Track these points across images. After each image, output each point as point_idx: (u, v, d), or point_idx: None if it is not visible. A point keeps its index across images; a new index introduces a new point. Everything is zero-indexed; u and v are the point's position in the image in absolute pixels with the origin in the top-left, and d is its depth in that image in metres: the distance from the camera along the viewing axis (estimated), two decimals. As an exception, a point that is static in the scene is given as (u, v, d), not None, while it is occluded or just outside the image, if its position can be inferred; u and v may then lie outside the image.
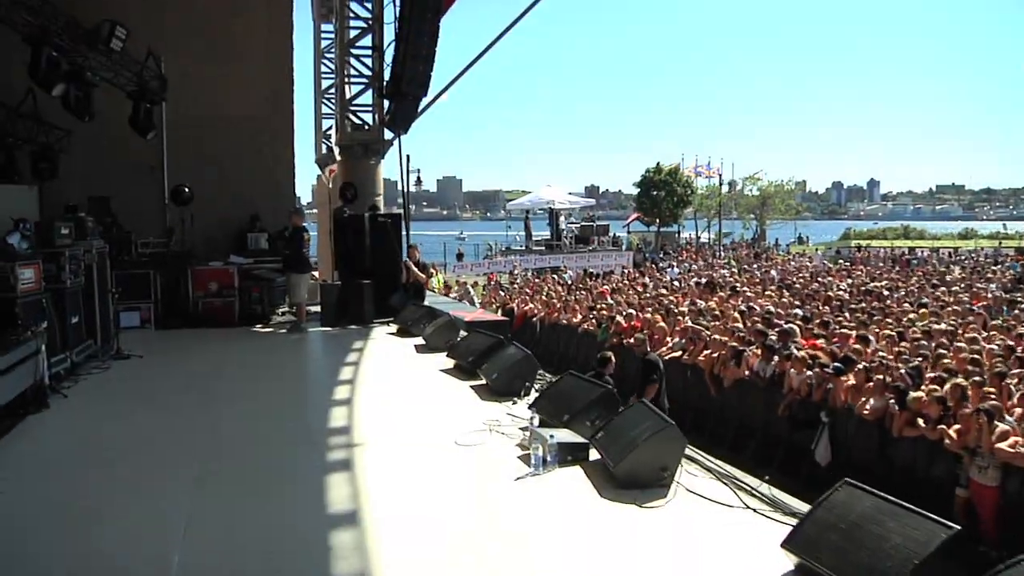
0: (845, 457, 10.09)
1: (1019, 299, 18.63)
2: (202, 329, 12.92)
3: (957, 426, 8.82)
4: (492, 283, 30.78)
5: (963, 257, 36.15)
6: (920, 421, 9.30)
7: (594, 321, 16.66)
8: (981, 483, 8.45)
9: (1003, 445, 8.27)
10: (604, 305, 17.78)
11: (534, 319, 19.46)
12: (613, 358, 9.95)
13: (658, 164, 49.20)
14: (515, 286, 27.77)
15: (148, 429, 7.03)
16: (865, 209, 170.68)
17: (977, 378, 9.94)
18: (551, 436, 5.63)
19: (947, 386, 9.46)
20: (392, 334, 12.56)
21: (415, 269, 14.32)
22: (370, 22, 17.12)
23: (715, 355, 12.96)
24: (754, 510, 4.87)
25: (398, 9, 15.42)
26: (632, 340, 13.46)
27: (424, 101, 15.98)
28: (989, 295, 19.71)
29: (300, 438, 6.76)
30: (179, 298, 13.43)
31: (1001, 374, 10.31)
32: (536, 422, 6.25)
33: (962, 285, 22.02)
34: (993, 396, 9.33)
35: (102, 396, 8.43)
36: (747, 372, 12.24)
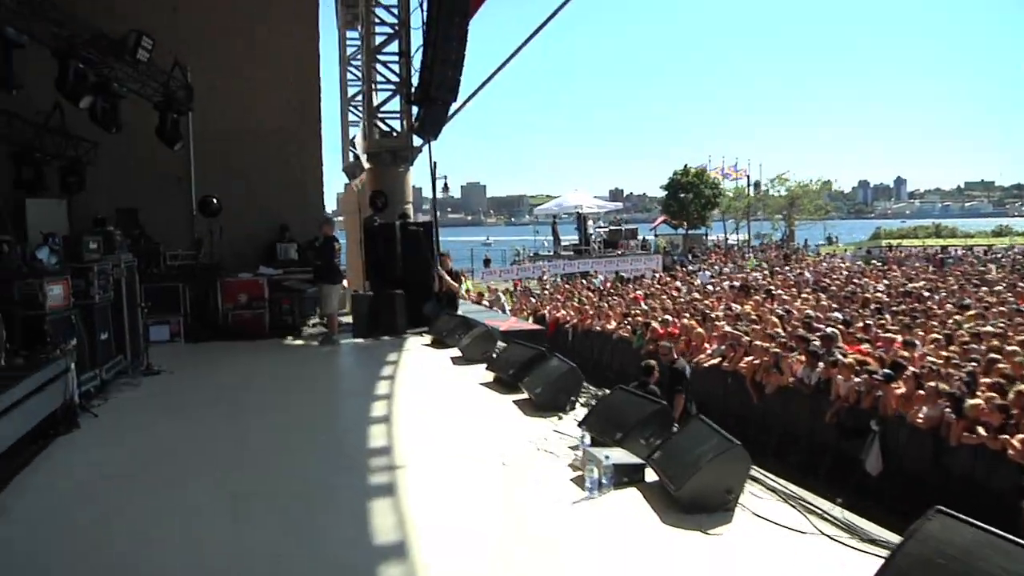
0: (896, 466, 9.71)
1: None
2: (232, 342, 12.75)
3: (1022, 436, 8.44)
4: (520, 289, 30.49)
5: (1000, 255, 35.30)
6: (980, 429, 8.91)
7: (629, 327, 16.34)
8: (1051, 496, 8.06)
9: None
10: (639, 311, 17.46)
11: (566, 326, 19.17)
12: (656, 367, 9.64)
13: (686, 166, 48.84)
14: (545, 292, 27.48)
15: (180, 449, 6.81)
16: (892, 208, 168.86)
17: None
18: (606, 457, 5.32)
19: (1011, 394, 9.07)
20: (427, 345, 12.32)
21: (448, 278, 14.07)
22: (396, 27, 16.93)
23: (757, 362, 12.62)
24: (829, 537, 4.53)
25: (425, 14, 15.20)
26: (659, 346, 13.19)
27: (454, 106, 15.74)
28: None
29: (338, 458, 6.48)
30: (209, 311, 13.28)
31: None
32: (588, 440, 5.95)
33: (1004, 284, 21.42)
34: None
35: (132, 414, 8.21)
36: (791, 379, 11.89)
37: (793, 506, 4.94)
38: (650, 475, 5.40)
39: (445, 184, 31.16)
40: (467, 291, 22.35)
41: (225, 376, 10.55)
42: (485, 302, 23.22)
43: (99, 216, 12.33)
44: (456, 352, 11.12)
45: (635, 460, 5.47)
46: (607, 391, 7.52)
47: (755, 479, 5.31)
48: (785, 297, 19.54)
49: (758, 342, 13.03)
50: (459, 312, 13.54)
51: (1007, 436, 8.54)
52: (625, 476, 5.33)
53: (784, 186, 51.18)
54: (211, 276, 13.39)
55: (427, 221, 15.64)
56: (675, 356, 12.47)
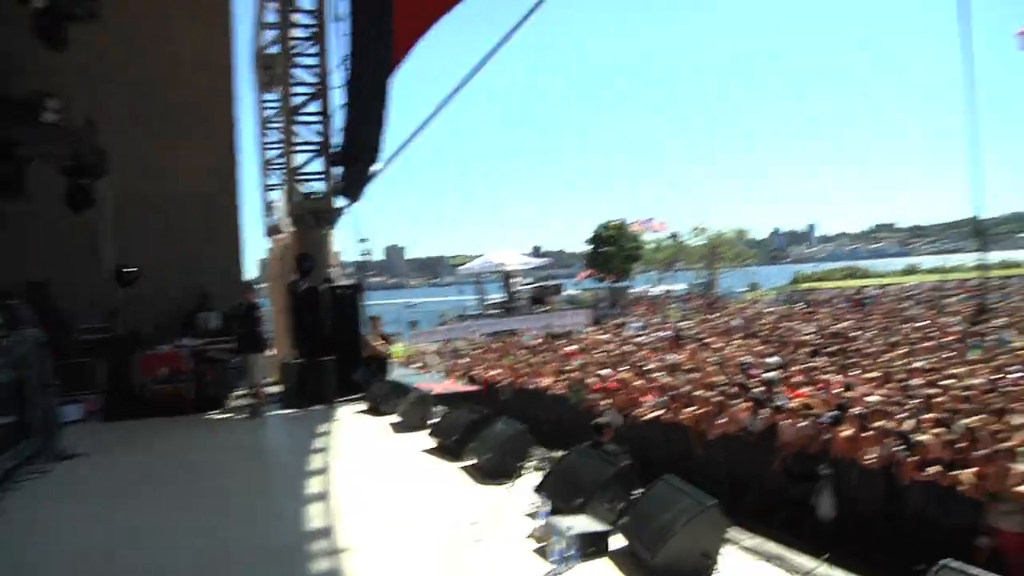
0: (849, 510, 9.55)
1: (986, 330, 18.61)
2: (154, 419, 11.94)
3: (972, 470, 8.38)
4: (449, 350, 30.03)
5: (912, 292, 36.42)
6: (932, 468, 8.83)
7: (566, 384, 16.03)
8: (1006, 529, 7.97)
9: (1028, 489, 7.85)
10: (573, 366, 17.22)
11: (499, 385, 18.76)
12: (612, 423, 9.35)
13: (608, 221, 49.61)
14: (476, 352, 27.07)
15: (96, 543, 6.15)
16: (806, 252, 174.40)
17: (983, 416, 9.62)
18: (569, 527, 4.96)
19: (957, 428, 9.08)
20: (362, 412, 11.80)
21: (381, 341, 13.62)
22: (317, 87, 16.60)
23: (700, 411, 12.45)
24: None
25: (347, 73, 14.92)
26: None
27: (378, 165, 15.43)
28: (956, 328, 19.66)
29: (274, 542, 5.95)
30: (127, 386, 12.47)
31: (1001, 411, 9.98)
32: (546, 508, 5.58)
33: (926, 321, 21.96)
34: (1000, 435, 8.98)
35: (43, 505, 7.49)
36: (735, 427, 11.73)
37: (775, 565, 4.65)
38: (615, 541, 5.05)
39: (368, 248, 30.80)
40: (394, 355, 21.82)
41: (146, 456, 9.80)
42: (415, 365, 22.73)
43: (5, 290, 11.55)
44: (394, 418, 10.65)
45: (600, 527, 5.13)
46: (559, 453, 7.18)
47: (729, 539, 5.01)
48: (719, 344, 19.62)
49: (699, 392, 12.88)
50: (391, 376, 13.08)
51: (956, 472, 8.48)
52: (591, 545, 4.97)
53: (703, 236, 52.31)
54: (128, 349, 12.62)
55: (356, 284, 15.18)
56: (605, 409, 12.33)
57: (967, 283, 38.88)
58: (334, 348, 13.16)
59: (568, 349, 21.47)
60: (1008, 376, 12.49)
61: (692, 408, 12.64)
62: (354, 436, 10.19)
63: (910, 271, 60.84)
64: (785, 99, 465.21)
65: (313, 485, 7.59)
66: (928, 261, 76.77)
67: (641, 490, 5.31)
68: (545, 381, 17.14)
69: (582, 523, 5.11)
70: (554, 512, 5.50)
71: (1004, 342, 16.48)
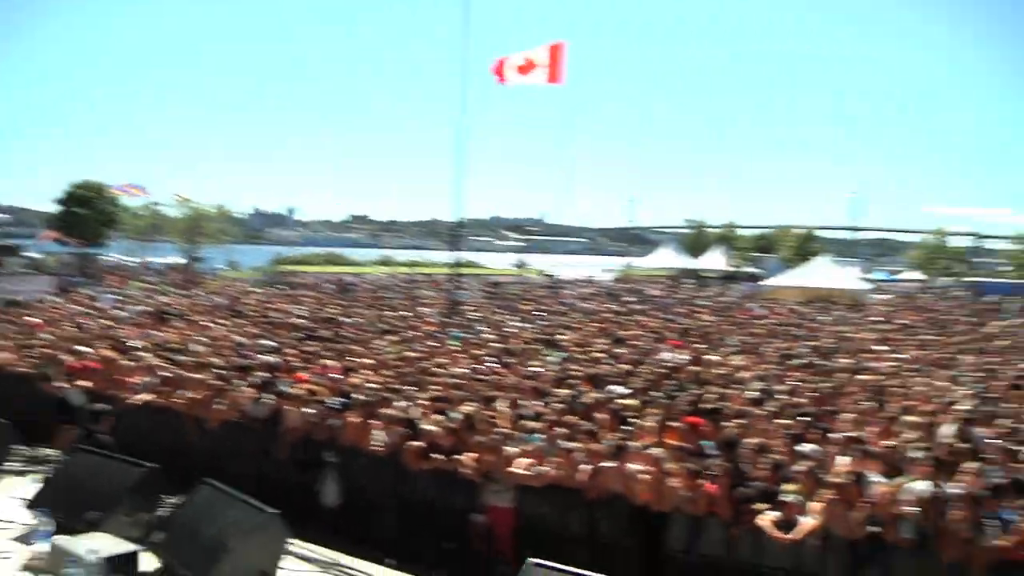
0: (358, 497, 9.57)
1: (463, 322, 20.52)
2: None
3: (471, 454, 8.95)
4: None
5: (389, 283, 38.74)
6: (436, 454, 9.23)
7: (33, 361, 13.62)
8: (498, 506, 8.69)
9: (517, 468, 8.61)
10: (43, 341, 14.76)
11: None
12: (111, 409, 8.02)
13: (85, 180, 44.49)
14: None
15: None
16: (284, 235, 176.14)
17: (474, 403, 10.38)
18: (90, 549, 3.97)
19: (457, 415, 9.65)
20: None
21: None
22: None
23: (196, 397, 11.49)
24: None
25: None
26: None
27: None
28: (433, 319, 21.31)
29: None
30: None
31: (487, 398, 10.89)
32: (47, 528, 4.44)
33: (407, 311, 23.41)
34: (494, 421, 9.79)
35: None
36: (238, 414, 11.06)
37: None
38: (147, 561, 4.21)
39: None
40: None
41: None
42: None
43: None
44: None
45: (126, 547, 4.21)
46: (51, 451, 5.87)
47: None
48: (205, 323, 18.58)
49: (194, 375, 11.92)
50: None
51: (459, 456, 8.99)
52: (117, 571, 4.04)
53: (185, 208, 49.80)
54: None
55: None
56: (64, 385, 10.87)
57: (433, 277, 42.86)
58: None
59: (36, 321, 18.39)
60: (486, 365, 13.82)
61: (188, 392, 11.65)
62: None
63: (385, 262, 65.01)
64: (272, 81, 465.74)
65: None
66: (399, 254, 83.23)
67: (176, 498, 4.49)
68: (5, 357, 14.38)
69: (103, 543, 4.15)
70: (60, 531, 4.39)
71: (475, 334, 18.25)
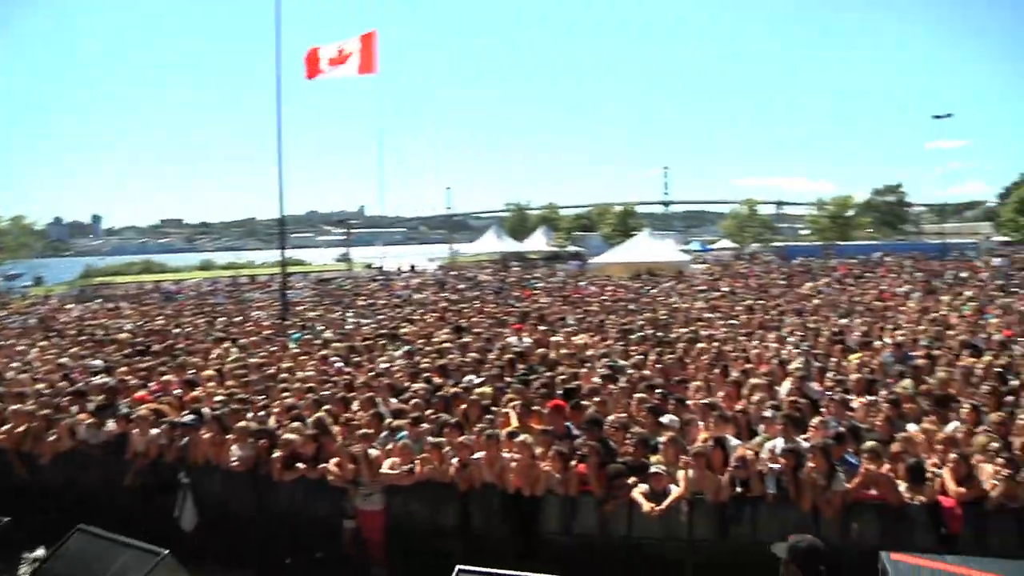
0: (219, 515, 9.14)
1: (299, 322, 20.04)
2: None
3: (335, 460, 8.78)
4: None
5: (213, 288, 37.19)
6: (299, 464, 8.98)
7: None
8: (368, 510, 8.57)
9: (385, 470, 8.52)
10: None
11: None
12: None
13: None
14: None
15: None
16: (92, 244, 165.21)
17: (333, 406, 10.20)
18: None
19: (312, 422, 9.46)
20: None
21: None
22: None
23: (21, 429, 10.59)
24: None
25: None
26: None
27: None
28: (268, 322, 20.71)
29: None
30: None
31: (345, 400, 10.70)
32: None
33: (239, 316, 22.60)
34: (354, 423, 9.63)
35: None
36: (73, 442, 10.30)
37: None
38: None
39: None
40: None
41: None
42: None
43: None
44: None
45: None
46: None
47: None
48: (21, 347, 17.27)
49: (17, 407, 10.99)
50: None
51: (324, 464, 8.79)
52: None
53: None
54: None
55: None
56: None
57: (258, 279, 41.59)
58: None
59: None
60: (333, 366, 13.57)
61: (8, 426, 10.71)
62: None
63: (206, 266, 62.22)
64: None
65: None
66: (218, 257, 79.95)
67: (43, 549, 4.14)
68: None
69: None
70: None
71: (316, 334, 17.88)
